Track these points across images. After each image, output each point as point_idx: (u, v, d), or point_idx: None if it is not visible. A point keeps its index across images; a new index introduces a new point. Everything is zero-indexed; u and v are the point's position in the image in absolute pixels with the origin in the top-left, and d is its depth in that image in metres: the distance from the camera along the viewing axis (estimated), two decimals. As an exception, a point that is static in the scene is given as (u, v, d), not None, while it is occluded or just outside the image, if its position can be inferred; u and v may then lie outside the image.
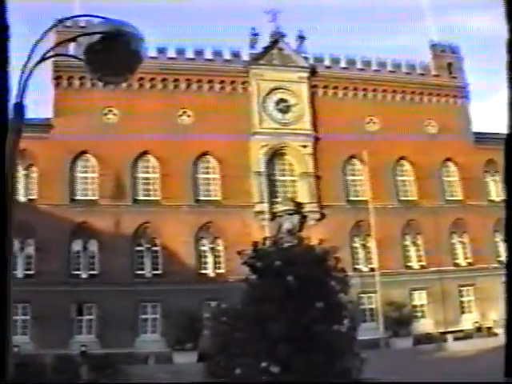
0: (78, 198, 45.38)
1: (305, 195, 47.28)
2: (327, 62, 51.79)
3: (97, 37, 5.15)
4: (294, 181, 48.40)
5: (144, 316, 43.76)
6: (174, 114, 46.94)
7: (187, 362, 35.02)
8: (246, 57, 50.06)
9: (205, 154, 46.85)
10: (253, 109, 48.28)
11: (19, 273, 40.89)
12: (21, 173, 41.67)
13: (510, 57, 3.79)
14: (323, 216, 46.58)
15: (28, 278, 40.79)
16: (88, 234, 44.15)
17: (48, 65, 41.11)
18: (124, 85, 43.43)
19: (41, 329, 39.69)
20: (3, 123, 4.66)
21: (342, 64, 51.97)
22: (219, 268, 45.10)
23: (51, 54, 5.85)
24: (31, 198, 43.15)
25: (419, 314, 47.66)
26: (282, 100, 49.43)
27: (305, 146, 48.09)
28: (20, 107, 5.62)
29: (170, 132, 45.32)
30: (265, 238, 10.90)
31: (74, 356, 31.47)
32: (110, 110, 46.47)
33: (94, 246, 44.47)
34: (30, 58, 5.56)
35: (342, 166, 49.06)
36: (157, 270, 44.59)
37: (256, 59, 49.71)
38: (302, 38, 51.59)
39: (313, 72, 50.40)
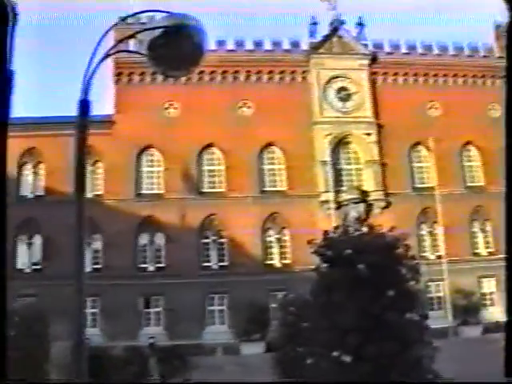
0: (144, 192, 46.01)
1: (370, 183, 46.82)
2: (387, 49, 50.99)
3: (159, 31, 5.17)
4: (359, 169, 47.90)
5: (211, 307, 44.04)
6: (234, 106, 47.05)
7: (255, 352, 35.13)
8: (305, 46, 49.71)
9: (269, 144, 46.79)
10: (313, 98, 48.01)
11: (87, 267, 41.63)
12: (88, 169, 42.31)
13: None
14: (389, 204, 46.04)
15: (96, 272, 41.43)
16: (154, 227, 44.76)
17: (105, 62, 41.81)
18: (184, 78, 43.84)
19: (110, 321, 40.39)
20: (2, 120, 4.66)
21: (403, 50, 51.09)
22: (285, 258, 45.08)
23: (113, 50, 5.91)
24: (97, 193, 43.84)
25: (488, 302, 46.68)
26: (342, 88, 48.98)
27: (368, 134, 47.58)
28: (85, 104, 5.70)
29: (232, 124, 45.47)
30: (335, 227, 10.82)
31: (143, 348, 31.84)
32: (171, 104, 46.87)
33: (160, 239, 45.05)
34: (93, 55, 5.63)
35: (407, 153, 48.35)
36: (223, 261, 44.85)
37: (316, 48, 49.36)
38: (361, 24, 50.98)
39: (373, 59, 49.75)
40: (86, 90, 5.58)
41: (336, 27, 50.02)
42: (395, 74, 50.33)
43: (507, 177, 3.64)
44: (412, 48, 51.43)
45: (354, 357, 8.83)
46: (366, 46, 50.37)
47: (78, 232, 5.57)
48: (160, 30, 5.17)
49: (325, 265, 9.89)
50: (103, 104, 46.87)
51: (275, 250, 45.51)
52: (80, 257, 5.57)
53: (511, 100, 3.80)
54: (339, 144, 47.77)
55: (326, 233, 10.25)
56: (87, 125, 5.72)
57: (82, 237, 5.57)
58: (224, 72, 47.90)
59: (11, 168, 40.51)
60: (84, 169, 5.90)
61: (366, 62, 49.48)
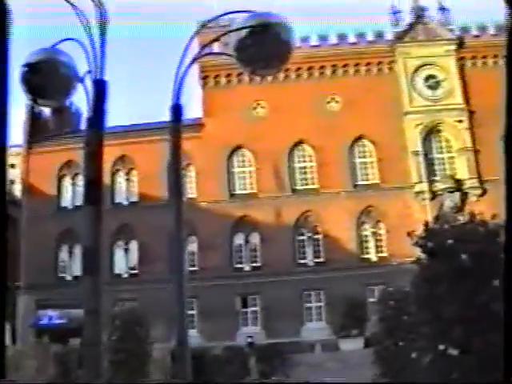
0: (237, 192, 46.51)
1: (464, 171, 45.77)
2: (474, 31, 49.55)
3: (245, 32, 5.17)
4: (452, 157, 46.85)
5: (308, 304, 44.04)
6: (322, 102, 46.85)
7: (353, 348, 34.91)
8: (389, 36, 49.00)
9: (359, 138, 46.41)
10: (401, 88, 47.30)
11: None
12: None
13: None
14: (485, 191, 44.87)
15: (193, 274, 42.02)
16: (249, 227, 45.18)
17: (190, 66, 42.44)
18: (270, 77, 43.99)
19: (207, 322, 40.86)
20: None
21: (491, 31, 49.46)
22: (381, 252, 44.61)
23: (200, 54, 5.97)
24: (191, 196, 44.46)
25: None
26: (430, 76, 48.05)
27: (460, 121, 46.50)
28: (178, 109, 5.78)
29: (321, 119, 45.31)
30: (436, 217, 10.63)
31: (242, 348, 32.10)
32: (259, 104, 47.13)
33: (255, 238, 45.39)
34: (181, 61, 5.70)
35: (500, 138, 46.95)
36: (319, 257, 44.78)
37: (400, 37, 48.58)
38: (443, 9, 49.75)
39: (460, 43, 48.47)
40: (177, 95, 5.66)
41: (419, 14, 49.09)
42: (484, 57, 48.77)
43: (507, 183, 3.50)
44: (499, 28, 49.83)
45: (461, 350, 8.63)
46: (451, 30, 49.13)
47: (177, 235, 5.64)
48: (246, 30, 5.17)
49: (426, 256, 9.71)
50: (191, 107, 47.57)
51: (371, 244, 45.11)
52: (180, 260, 5.63)
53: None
54: (430, 133, 46.89)
55: (426, 224, 10.07)
56: (180, 129, 5.79)
57: (182, 240, 5.64)
58: (310, 68, 47.77)
59: (105, 176, 41.56)
60: (180, 173, 5.98)
61: (453, 47, 48.23)
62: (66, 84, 5.39)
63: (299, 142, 46.63)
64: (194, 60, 5.89)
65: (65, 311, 45.30)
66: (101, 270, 4.90)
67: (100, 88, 5.13)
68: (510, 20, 3.89)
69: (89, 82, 5.23)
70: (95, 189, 5.19)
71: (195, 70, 45.43)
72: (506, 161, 3.66)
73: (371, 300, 35.98)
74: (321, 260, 44.63)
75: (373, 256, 44.78)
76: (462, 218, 9.95)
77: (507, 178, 3.64)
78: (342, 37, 48.90)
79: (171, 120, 5.78)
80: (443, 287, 9.03)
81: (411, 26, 48.97)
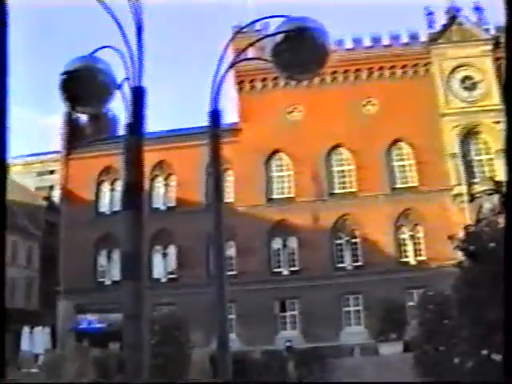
0: (275, 196, 46.65)
1: (503, 173, 45.16)
2: (511, 30, 48.78)
3: (280, 36, 5.18)
4: (490, 159, 46.28)
5: (346, 308, 43.89)
6: (358, 105, 46.71)
7: (392, 352, 34.65)
8: (424, 37, 48.61)
9: (397, 140, 46.12)
10: (438, 90, 46.91)
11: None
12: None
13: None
14: (525, 194, 44.19)
15: (231, 279, 42.02)
16: (287, 231, 45.21)
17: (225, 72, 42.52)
18: (306, 81, 44.05)
19: (246, 326, 40.89)
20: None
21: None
22: (420, 255, 44.25)
23: (236, 60, 5.99)
24: (228, 201, 44.56)
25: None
26: (466, 77, 47.57)
27: (498, 122, 45.87)
28: (216, 114, 5.82)
29: (358, 123, 45.18)
30: (477, 220, 10.53)
31: (280, 352, 32.07)
32: (295, 108, 47.20)
33: (293, 242, 45.42)
34: (219, 66, 5.73)
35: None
36: (357, 261, 44.62)
37: (435, 38, 48.15)
38: (478, 9, 49.18)
39: (496, 43, 47.85)
40: (214, 100, 5.69)
41: (454, 15, 48.63)
42: (522, 56, 48.09)
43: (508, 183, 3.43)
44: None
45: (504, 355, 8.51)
46: (487, 30, 48.55)
47: (218, 240, 5.66)
48: (281, 35, 5.18)
49: (468, 260, 9.60)
50: (228, 112, 47.78)
51: (409, 247, 44.77)
52: (220, 264, 5.65)
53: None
54: (468, 135, 46.42)
55: (467, 227, 9.96)
56: (219, 134, 5.82)
57: (222, 244, 5.66)
58: (345, 71, 47.64)
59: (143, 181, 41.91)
60: (220, 178, 6.01)
61: (489, 47, 47.61)
62: (103, 91, 5.46)
63: (337, 146, 46.58)
64: (231, 66, 5.92)
65: (104, 316, 45.74)
66: (142, 275, 4.93)
67: (138, 95, 5.16)
68: (509, 20, 3.84)
69: (127, 89, 5.26)
70: (135, 194, 5.23)
71: (231, 75, 45.62)
72: (506, 169, 3.60)
73: (410, 304, 35.76)
74: (359, 264, 44.45)
75: (411, 259, 44.44)
76: (501, 221, 9.83)
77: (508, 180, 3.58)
78: (376, 39, 48.71)
79: (210, 125, 5.82)
80: (485, 291, 8.92)
81: (446, 27, 48.52)
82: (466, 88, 47.30)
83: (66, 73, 5.34)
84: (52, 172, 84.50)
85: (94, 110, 6.35)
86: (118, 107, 5.43)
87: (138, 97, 5.14)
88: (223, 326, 5.93)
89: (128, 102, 5.22)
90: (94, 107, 5.95)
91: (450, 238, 9.95)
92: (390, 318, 37.82)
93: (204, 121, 6.05)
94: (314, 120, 45.21)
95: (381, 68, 47.87)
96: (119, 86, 5.34)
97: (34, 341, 42.57)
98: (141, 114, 5.19)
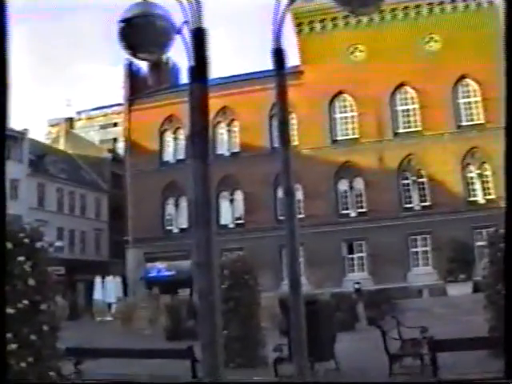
0: (339, 138, 46.23)
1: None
2: None
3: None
4: (559, 93, 44.80)
5: (414, 249, 43.56)
6: (420, 42, 45.48)
7: (462, 293, 34.37)
8: (489, -32, 46.79)
9: (462, 77, 44.75)
10: (501, 24, 45.22)
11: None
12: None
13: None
14: None
15: (299, 222, 42.06)
16: (353, 172, 44.93)
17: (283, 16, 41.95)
18: (365, 20, 43.26)
19: (314, 269, 40.93)
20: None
21: None
22: (489, 194, 43.34)
23: None
24: (292, 144, 44.33)
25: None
26: (532, 7, 45.80)
27: None
28: (280, 52, 5.67)
29: (421, 60, 44.01)
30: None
31: (349, 294, 32.09)
32: (356, 48, 46.32)
33: (359, 183, 45.12)
34: (278, 5, 5.57)
35: None
36: (424, 201, 44.04)
37: (499, -32, 46.44)
38: None
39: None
40: (277, 38, 5.54)
41: None
42: None
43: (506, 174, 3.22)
44: None
45: None
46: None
47: (287, 183, 5.57)
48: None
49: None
50: (288, 57, 47.28)
51: (477, 186, 43.90)
52: (291, 207, 5.59)
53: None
54: (537, 67, 44.89)
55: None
56: (285, 75, 5.68)
57: (292, 187, 5.58)
58: (405, 8, 46.32)
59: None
60: (287, 121, 5.89)
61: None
62: (163, 36, 5.40)
63: (400, 85, 45.62)
64: (291, 2, 5.74)
65: (173, 263, 46.48)
66: (212, 222, 4.91)
67: (199, 37, 5.05)
68: (509, 20, 3.59)
69: (187, 33, 5.17)
70: (202, 142, 5.15)
71: (289, 18, 45.00)
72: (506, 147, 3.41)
73: (479, 244, 35.19)
74: (426, 204, 43.87)
75: (480, 198, 43.58)
76: None
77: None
78: (438, -28, 47.03)
79: (274, 64, 5.68)
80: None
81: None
82: (531, 19, 45.58)
83: (123, 20, 5.29)
84: (115, 124, 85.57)
85: (155, 57, 6.27)
86: (179, 55, 5.35)
87: (199, 38, 5.03)
88: (294, 268, 5.89)
89: (189, 46, 5.13)
90: (154, 53, 5.89)
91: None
92: (459, 258, 37.49)
93: (266, 65, 5.92)
94: (376, 59, 44.25)
95: (442, 2, 46.31)
96: (179, 31, 5.25)
97: (106, 290, 43.61)
98: (203, 56, 5.08)
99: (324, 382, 9.45)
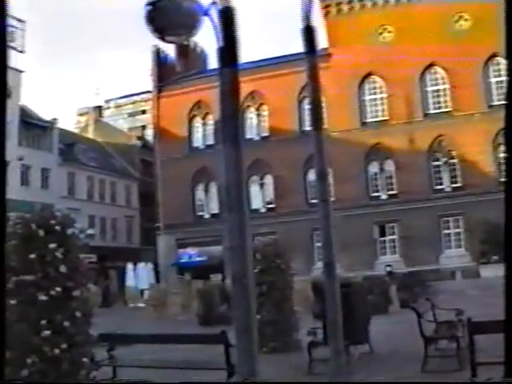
0: (369, 120, 45.99)
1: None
2: None
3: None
4: None
5: (446, 231, 43.28)
6: (450, 21, 44.90)
7: (495, 275, 33.96)
8: None
9: (493, 56, 44.00)
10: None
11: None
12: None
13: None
14: None
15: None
16: (383, 154, 44.77)
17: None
18: (392, 0, 42.93)
19: (345, 252, 40.73)
20: None
21: None
22: (522, 174, 42.79)
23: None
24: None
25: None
26: None
27: None
28: (310, 30, 5.56)
29: (450, 40, 43.44)
30: None
31: (381, 276, 31.92)
32: (385, 29, 45.94)
33: (390, 165, 44.86)
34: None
35: None
36: (456, 182, 43.68)
37: None
38: None
39: None
40: (306, 16, 5.43)
41: None
42: None
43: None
44: None
45: None
46: None
47: (320, 166, 5.49)
48: None
49: None
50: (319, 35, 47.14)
51: (510, 166, 43.34)
52: (325, 190, 5.50)
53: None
54: None
55: None
56: (316, 53, 5.58)
57: (325, 170, 5.50)
58: (433, -14, 45.75)
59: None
60: (320, 104, 5.80)
61: None
62: (190, 18, 5.32)
63: (430, 65, 45.17)
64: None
65: (204, 249, 46.64)
66: (244, 206, 4.86)
67: (228, 16, 4.97)
68: (509, 20, 3.45)
69: (215, 14, 5.09)
70: (233, 126, 5.08)
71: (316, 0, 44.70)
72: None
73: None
74: (458, 185, 43.49)
75: (512, 178, 43.04)
76: None
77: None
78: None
79: (305, 43, 5.56)
80: None
81: None
82: None
83: (150, 3, 5.23)
84: (143, 112, 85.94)
85: (183, 39, 6.18)
86: (207, 40, 5.28)
87: (228, 18, 4.95)
88: (329, 251, 5.81)
89: (217, 26, 5.05)
90: (182, 36, 5.80)
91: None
92: (492, 240, 37.02)
93: (295, 48, 5.83)
94: (405, 40, 43.80)
95: (471, -20, 45.65)
96: (206, 12, 5.18)
97: (138, 277, 43.85)
98: (233, 36, 5.00)
99: (325, 382, 9.38)
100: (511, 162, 3.42)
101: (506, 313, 3.56)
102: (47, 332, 6.73)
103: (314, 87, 5.63)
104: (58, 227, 7.10)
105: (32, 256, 6.90)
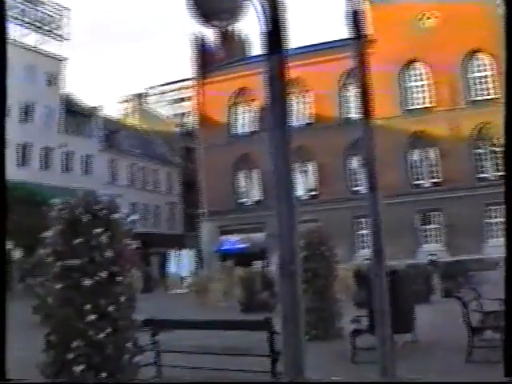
0: (411, 107, 45.51)
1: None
2: None
3: None
4: None
5: (490, 220, 42.67)
6: (493, 5, 43.95)
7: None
8: None
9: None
10: None
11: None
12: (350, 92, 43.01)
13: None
14: None
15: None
16: (426, 142, 44.29)
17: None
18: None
19: (387, 241, 40.24)
20: None
21: None
22: None
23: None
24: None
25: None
26: None
27: None
28: (355, 15, 5.48)
29: (496, 24, 42.42)
30: None
31: (424, 265, 31.69)
32: (427, 15, 45.37)
33: (433, 153, 44.37)
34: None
35: None
36: (500, 171, 43.02)
37: None
38: None
39: None
40: (351, 1, 5.35)
41: None
42: None
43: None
44: None
45: None
46: None
47: (368, 153, 5.42)
48: None
49: None
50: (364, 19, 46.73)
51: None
52: (373, 176, 5.43)
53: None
54: None
55: None
56: (362, 37, 5.48)
57: (373, 157, 5.42)
58: (475, -32, 44.99)
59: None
60: (369, 90, 5.72)
61: None
62: (233, 2, 5.24)
63: (475, 51, 44.45)
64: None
65: (246, 236, 46.70)
66: (293, 193, 4.83)
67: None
68: (509, 20, 3.35)
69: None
70: (281, 111, 5.02)
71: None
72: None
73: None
74: (502, 173, 42.79)
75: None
76: None
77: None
78: None
79: (350, 27, 5.48)
80: None
81: None
82: None
83: (193, -11, 5.18)
84: (184, 99, 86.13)
85: (226, 24, 6.12)
86: (250, 27, 5.21)
87: (275, 1, 4.87)
88: (377, 238, 5.74)
89: (263, 11, 4.97)
90: (225, 20, 5.73)
91: None
92: (538, 229, 36.42)
93: (337, 36, 5.73)
94: (448, 25, 43.19)
95: (517, -38, 44.70)
96: (250, -5, 5.12)
97: (181, 263, 44.11)
98: (278, 19, 4.92)
99: (327, 383, 9.28)
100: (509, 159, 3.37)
101: (507, 311, 3.49)
102: (92, 316, 6.77)
103: (362, 73, 5.53)
104: (103, 212, 7.14)
105: (77, 241, 6.94)
